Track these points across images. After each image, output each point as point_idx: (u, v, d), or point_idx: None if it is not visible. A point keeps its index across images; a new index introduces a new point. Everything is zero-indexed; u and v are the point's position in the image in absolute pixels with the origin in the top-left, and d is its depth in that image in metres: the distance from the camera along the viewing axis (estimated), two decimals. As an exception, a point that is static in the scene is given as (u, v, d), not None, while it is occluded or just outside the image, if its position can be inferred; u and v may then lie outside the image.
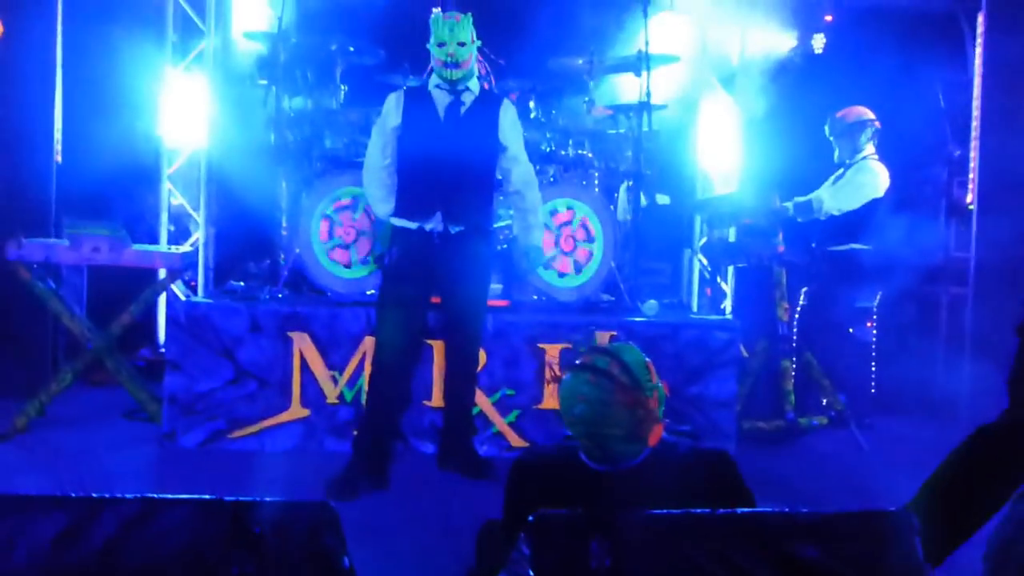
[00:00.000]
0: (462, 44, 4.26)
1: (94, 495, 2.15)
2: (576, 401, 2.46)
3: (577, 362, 2.51)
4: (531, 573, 2.22)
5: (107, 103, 6.01)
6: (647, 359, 2.56)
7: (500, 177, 4.64)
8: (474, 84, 4.45)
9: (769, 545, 2.18)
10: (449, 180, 4.30)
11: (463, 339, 4.59)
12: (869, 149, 5.53)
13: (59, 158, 5.95)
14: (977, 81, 5.90)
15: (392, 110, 4.41)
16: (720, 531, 2.19)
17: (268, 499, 2.28)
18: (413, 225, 4.35)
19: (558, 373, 2.69)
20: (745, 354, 5.49)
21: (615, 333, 5.03)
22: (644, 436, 2.50)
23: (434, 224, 4.32)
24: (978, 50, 5.92)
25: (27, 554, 2.00)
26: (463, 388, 4.66)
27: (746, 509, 2.41)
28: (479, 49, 4.49)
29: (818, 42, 6.20)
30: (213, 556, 2.14)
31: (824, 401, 5.62)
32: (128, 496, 2.18)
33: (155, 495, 2.26)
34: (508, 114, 4.48)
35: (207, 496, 2.28)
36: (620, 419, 2.46)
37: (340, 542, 2.32)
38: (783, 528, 2.20)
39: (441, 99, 4.37)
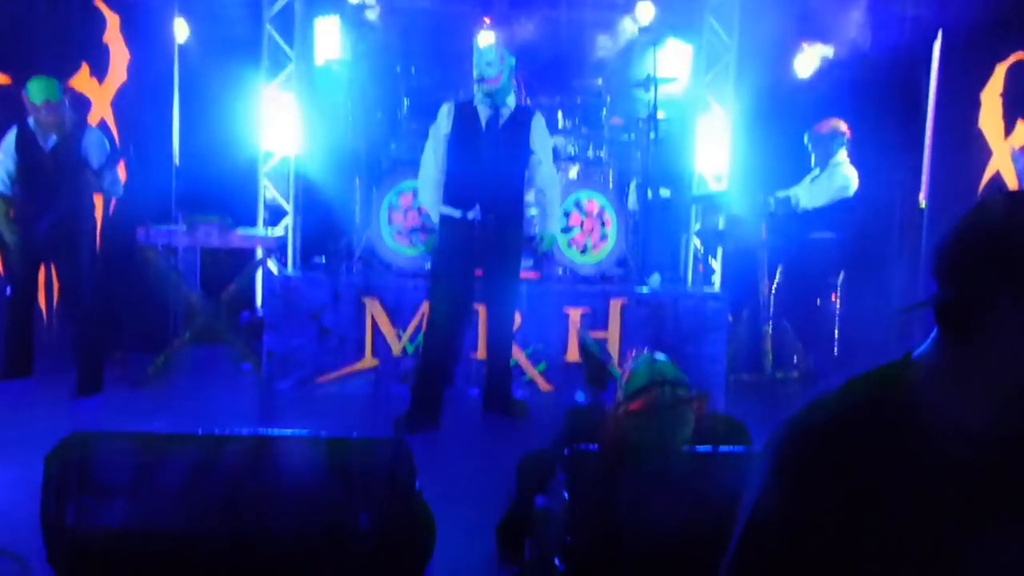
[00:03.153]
0: (490, 64, 4.20)
1: (215, 433, 2.16)
2: (673, 436, 2.24)
3: (644, 405, 2.26)
4: (567, 495, 2.20)
5: (215, 116, 6.00)
6: (669, 360, 2.38)
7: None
8: (511, 100, 4.39)
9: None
10: (487, 178, 4.26)
11: (500, 305, 4.55)
12: (842, 155, 5.39)
13: (177, 161, 5.96)
14: (931, 102, 5.77)
15: (444, 119, 4.36)
16: (727, 468, 2.16)
17: (356, 436, 2.27)
18: (457, 213, 4.31)
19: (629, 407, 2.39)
20: (732, 320, 5.44)
21: (626, 300, 5.01)
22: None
23: (474, 214, 4.28)
24: (932, 75, 5.77)
25: (165, 481, 2.01)
26: (501, 344, 4.62)
27: (745, 447, 2.37)
28: (517, 70, 4.42)
29: (802, 70, 6.03)
30: (312, 481, 2.14)
31: (796, 359, 5.55)
32: (244, 433, 2.19)
33: (265, 431, 2.27)
34: (538, 125, 4.41)
35: (306, 433, 2.28)
36: (692, 422, 2.30)
37: (412, 471, 2.31)
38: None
39: (483, 112, 4.31)
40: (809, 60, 6.02)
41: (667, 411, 2.27)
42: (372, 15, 6.13)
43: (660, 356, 2.40)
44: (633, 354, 2.51)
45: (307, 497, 2.13)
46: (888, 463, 0.88)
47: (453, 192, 4.35)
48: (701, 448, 2.27)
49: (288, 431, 2.26)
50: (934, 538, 0.88)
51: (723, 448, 2.28)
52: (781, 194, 5.37)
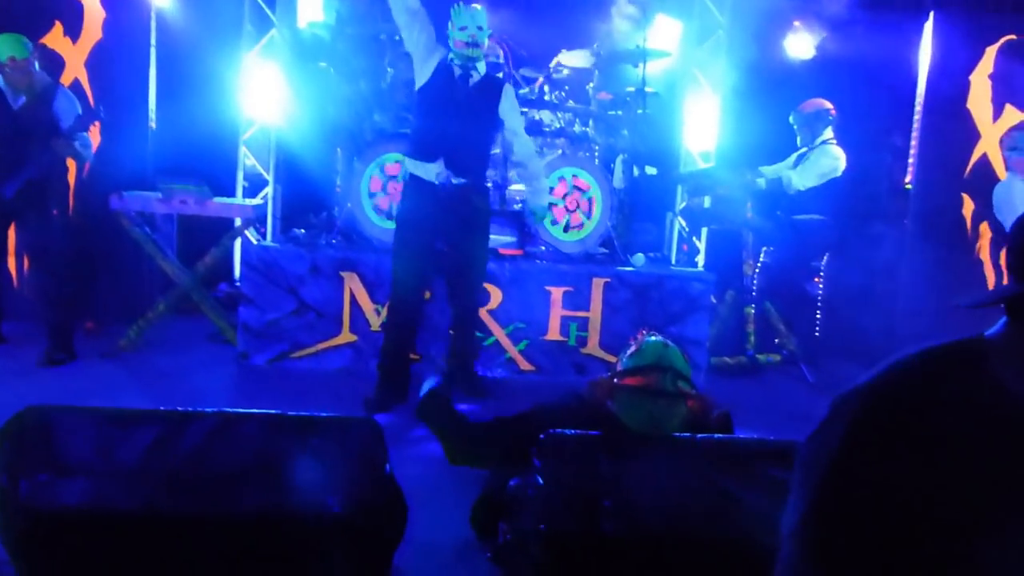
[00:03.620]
0: (481, 28, 4.14)
1: (180, 410, 2.07)
2: (659, 423, 2.22)
3: (644, 383, 2.23)
4: (542, 481, 2.14)
5: (193, 79, 5.83)
6: (681, 351, 2.35)
7: (502, 150, 4.54)
8: (481, 66, 4.31)
9: (744, 466, 2.11)
10: (454, 134, 4.18)
11: (466, 279, 4.47)
12: (828, 134, 5.33)
13: (153, 125, 5.81)
14: (921, 84, 5.70)
15: (434, 58, 4.22)
16: (705, 453, 2.12)
17: (325, 415, 2.20)
18: (421, 170, 4.20)
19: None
20: (715, 301, 5.40)
21: (609, 279, 4.95)
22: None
23: (439, 170, 4.17)
24: (922, 57, 5.70)
25: (126, 459, 1.93)
26: (466, 320, 4.54)
27: (726, 435, 2.33)
28: (502, 39, 4.33)
29: (793, 48, 5.93)
30: (279, 462, 2.07)
31: (778, 342, 5.53)
32: (209, 411, 2.10)
33: (231, 410, 2.18)
34: (508, 96, 4.34)
35: (275, 411, 2.20)
36: (681, 416, 2.27)
37: (383, 452, 2.25)
38: (756, 452, 2.12)
39: (456, 71, 4.23)
40: (800, 39, 5.94)
41: (662, 398, 2.22)
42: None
43: (672, 345, 2.34)
44: (645, 332, 2.46)
45: (274, 478, 2.06)
46: (963, 427, 0.94)
47: (419, 142, 4.28)
48: (686, 435, 2.23)
49: (255, 410, 2.18)
50: (999, 501, 0.93)
51: (701, 435, 2.23)
52: (771, 173, 5.30)
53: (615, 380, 2.28)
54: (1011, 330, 1.06)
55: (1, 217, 4.62)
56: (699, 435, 2.21)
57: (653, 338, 2.35)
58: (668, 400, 2.21)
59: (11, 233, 4.97)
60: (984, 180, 5.46)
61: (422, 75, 4.24)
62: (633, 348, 2.32)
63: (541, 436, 2.18)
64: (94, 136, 5.12)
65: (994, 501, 0.93)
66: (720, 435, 2.32)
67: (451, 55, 4.22)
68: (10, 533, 1.88)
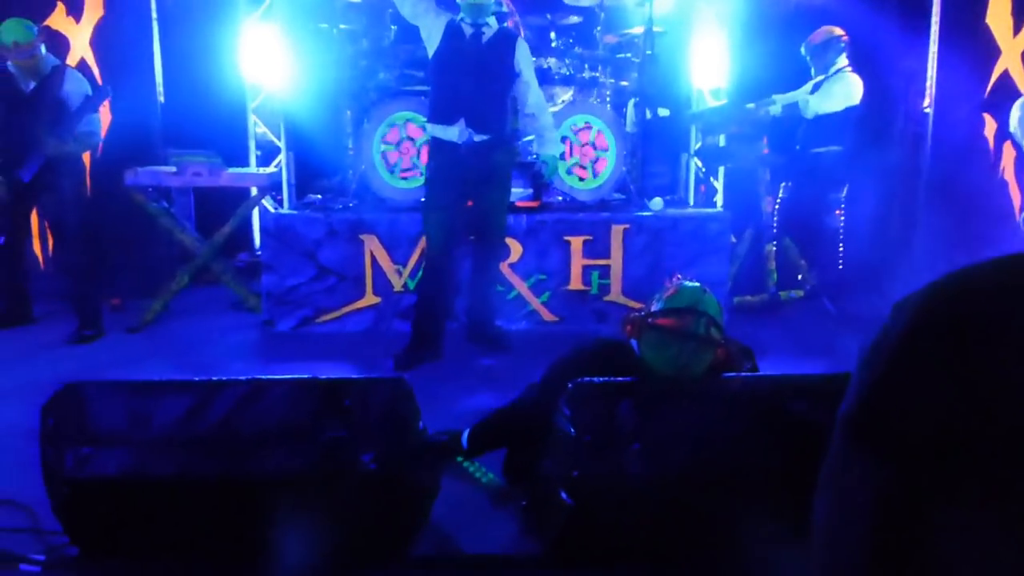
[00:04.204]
0: None
1: (213, 379, 2.12)
2: (685, 367, 2.22)
3: (676, 325, 2.23)
4: (572, 430, 2.18)
5: (197, 49, 5.80)
6: (717, 299, 2.36)
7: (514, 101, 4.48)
8: (492, 21, 4.28)
9: (769, 403, 2.13)
10: (472, 93, 4.17)
11: (487, 233, 4.49)
12: (843, 62, 5.21)
13: (162, 99, 5.81)
14: (936, 1, 5.53)
15: (441, 22, 4.21)
16: (730, 392, 2.14)
17: (355, 376, 2.24)
18: (443, 132, 4.22)
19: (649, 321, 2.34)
20: (734, 240, 5.37)
21: (628, 225, 4.93)
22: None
23: (461, 131, 4.18)
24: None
25: (161, 427, 1.99)
26: (488, 273, 4.57)
27: (747, 374, 2.34)
28: None
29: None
30: (309, 425, 2.12)
31: (800, 277, 5.50)
32: (240, 378, 2.15)
33: (262, 376, 2.23)
34: (522, 48, 4.33)
35: (304, 375, 2.25)
36: (708, 363, 2.27)
37: (415, 410, 2.30)
38: (781, 389, 2.14)
39: (467, 30, 4.21)
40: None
41: (692, 341, 2.23)
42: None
43: (710, 292, 2.35)
44: (680, 276, 2.46)
45: (308, 440, 2.12)
46: None
47: (438, 107, 4.28)
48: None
49: (286, 376, 2.23)
50: None
51: (727, 374, 2.25)
52: (789, 99, 5.19)
53: (648, 319, 2.29)
54: None
55: (23, 201, 4.67)
56: (725, 374, 2.23)
57: (691, 283, 2.36)
58: (698, 344, 2.22)
59: (34, 216, 5.04)
60: (1006, 98, 5.31)
61: (432, 42, 4.22)
62: (671, 291, 2.33)
63: (569, 384, 2.21)
64: (104, 114, 5.13)
65: None
66: (745, 374, 2.33)
67: (460, 15, 4.19)
68: (58, 503, 1.95)
